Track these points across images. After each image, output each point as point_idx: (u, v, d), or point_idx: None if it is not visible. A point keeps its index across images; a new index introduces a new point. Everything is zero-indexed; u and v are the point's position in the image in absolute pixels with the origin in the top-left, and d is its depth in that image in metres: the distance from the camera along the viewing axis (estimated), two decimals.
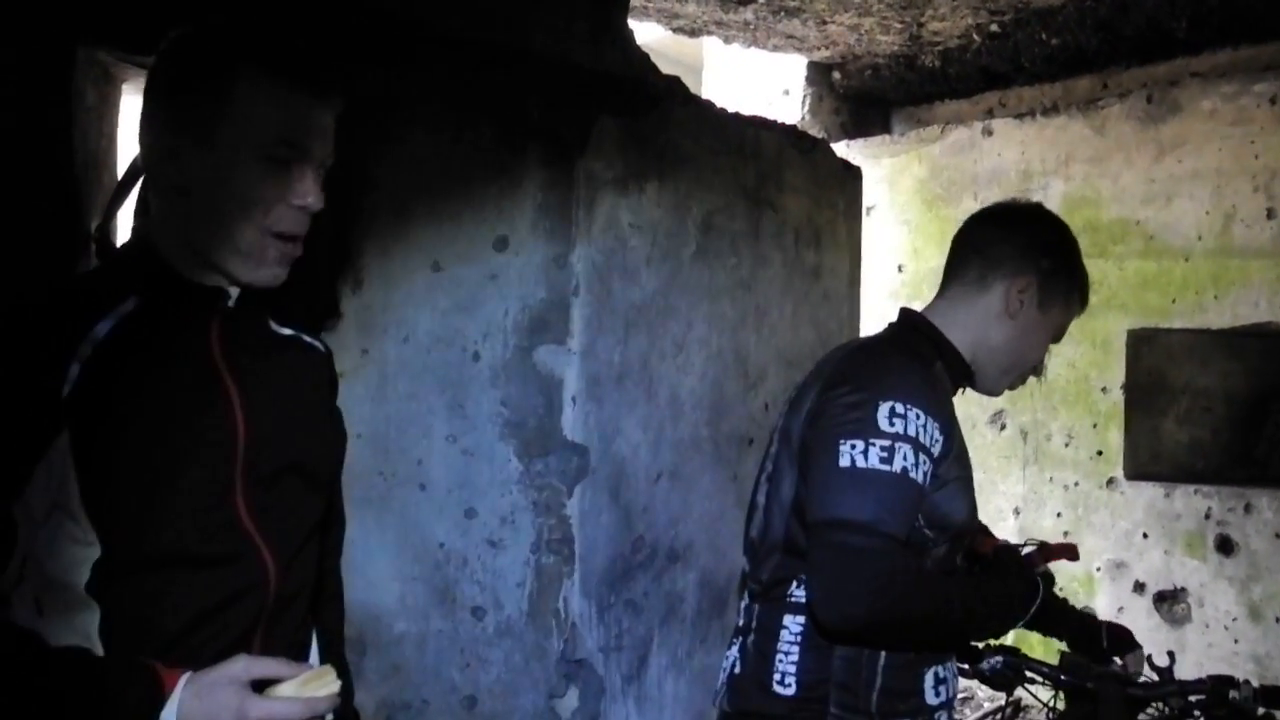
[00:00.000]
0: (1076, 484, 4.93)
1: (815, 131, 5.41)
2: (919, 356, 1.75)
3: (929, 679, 1.71)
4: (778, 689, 1.68)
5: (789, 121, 4.22)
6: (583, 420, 2.55)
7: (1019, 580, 1.79)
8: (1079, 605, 4.82)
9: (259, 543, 1.32)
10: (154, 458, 1.24)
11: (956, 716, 4.87)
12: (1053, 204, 4.92)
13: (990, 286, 1.81)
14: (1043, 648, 4.64)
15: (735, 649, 1.80)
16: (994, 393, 1.91)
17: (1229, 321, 4.53)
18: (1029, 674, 1.96)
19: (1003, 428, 5.17)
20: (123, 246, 1.37)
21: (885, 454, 1.57)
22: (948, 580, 1.73)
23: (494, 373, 2.56)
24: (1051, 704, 2.00)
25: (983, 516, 5.33)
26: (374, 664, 2.65)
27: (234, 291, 1.34)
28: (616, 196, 2.63)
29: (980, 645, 1.97)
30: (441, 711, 2.65)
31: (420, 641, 2.63)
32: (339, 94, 1.34)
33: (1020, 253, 1.81)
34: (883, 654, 1.67)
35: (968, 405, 5.41)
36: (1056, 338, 1.88)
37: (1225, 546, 4.48)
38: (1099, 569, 4.82)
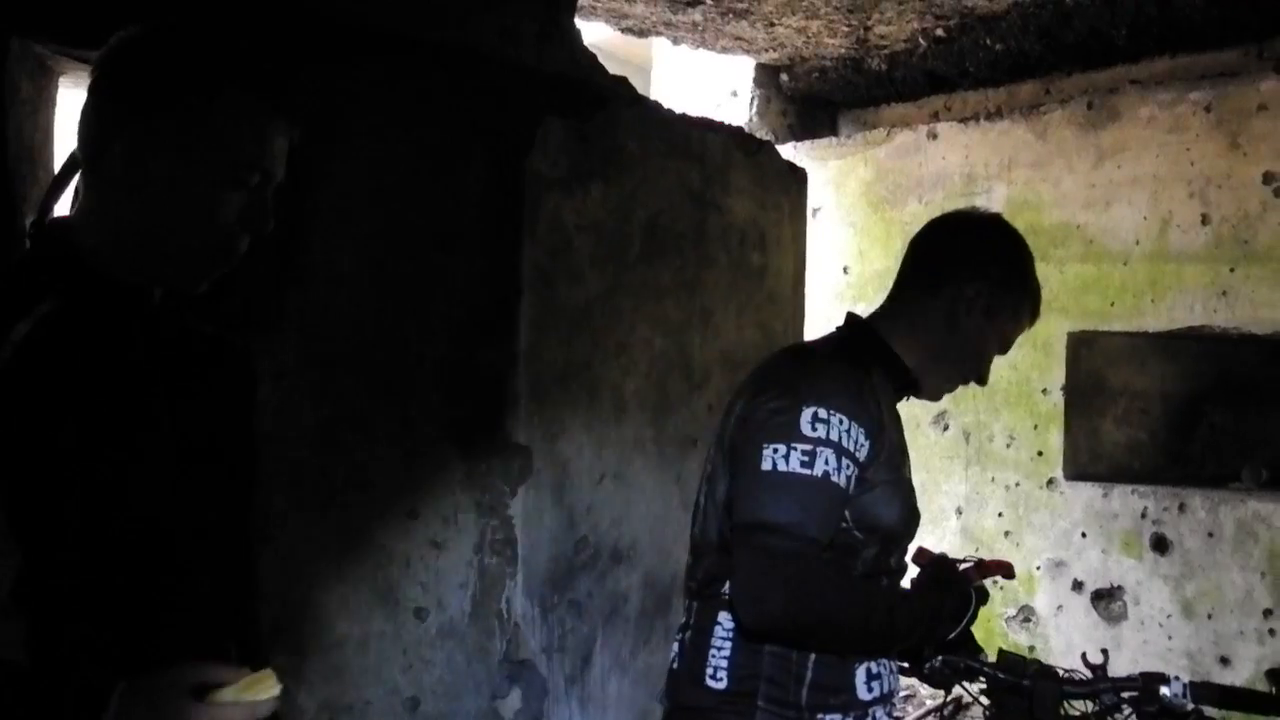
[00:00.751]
0: (1017, 484, 5.00)
1: (763, 133, 5.43)
2: (854, 362, 1.75)
3: (861, 675, 1.73)
4: (710, 683, 1.69)
5: (737, 123, 4.24)
6: (526, 421, 2.55)
7: (951, 592, 1.79)
8: (1019, 604, 4.92)
9: (186, 545, 1.30)
10: (77, 463, 1.21)
11: (898, 713, 4.93)
12: (995, 208, 4.98)
13: (939, 292, 1.81)
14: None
15: (676, 645, 1.82)
16: (934, 399, 1.93)
17: (1165, 325, 4.62)
18: (967, 672, 1.97)
19: (946, 428, 5.23)
20: (39, 244, 1.33)
21: (806, 458, 1.58)
22: (873, 586, 1.73)
23: (437, 373, 2.54)
24: (989, 701, 2.01)
25: (926, 517, 5.36)
26: (315, 666, 2.63)
27: (158, 291, 1.32)
28: (562, 197, 2.63)
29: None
30: (384, 713, 2.63)
31: (362, 643, 2.61)
32: (300, 119, 1.34)
33: (971, 260, 1.81)
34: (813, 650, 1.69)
35: (911, 406, 5.44)
36: (1004, 348, 1.88)
37: (1160, 545, 4.56)
38: (1039, 568, 4.89)
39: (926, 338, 1.82)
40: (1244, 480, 4.59)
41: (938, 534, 5.19)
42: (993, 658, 1.99)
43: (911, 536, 1.83)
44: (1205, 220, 4.51)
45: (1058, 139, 4.92)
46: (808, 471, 1.58)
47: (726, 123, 3.40)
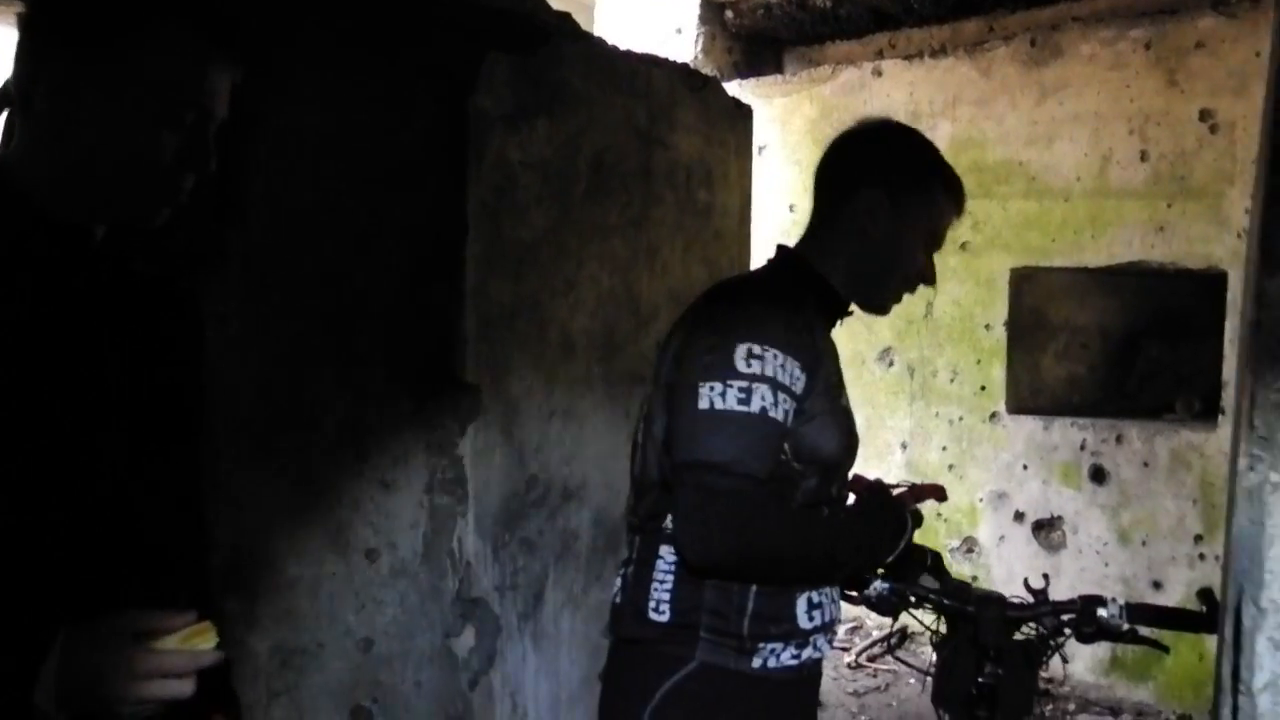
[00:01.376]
0: (961, 418, 5.09)
1: (708, 70, 5.40)
2: (785, 296, 1.75)
3: (802, 604, 1.74)
4: (653, 615, 1.71)
5: (682, 60, 4.20)
6: (474, 360, 2.54)
7: (887, 518, 1.83)
8: (962, 535, 5.02)
9: (133, 493, 1.28)
10: (16, 409, 1.18)
11: (845, 644, 5.03)
12: (940, 145, 5.01)
13: (843, 209, 1.81)
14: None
15: (619, 579, 1.83)
16: (882, 310, 1.90)
17: (1105, 260, 4.70)
18: (913, 599, 2.01)
19: (890, 364, 5.30)
20: None
21: (743, 395, 1.59)
22: (813, 517, 1.75)
23: (384, 313, 2.52)
24: (935, 627, 2.06)
25: (872, 451, 5.46)
26: (266, 609, 2.62)
27: (100, 230, 1.29)
28: (506, 134, 2.60)
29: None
30: (337, 654, 2.64)
31: (314, 585, 2.61)
32: (243, 56, 1.30)
33: (865, 169, 1.80)
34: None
35: (856, 342, 5.54)
36: (934, 245, 1.86)
37: (1098, 476, 4.68)
38: (981, 500, 5.00)
39: (845, 256, 1.82)
40: (1178, 411, 4.70)
41: (883, 468, 5.27)
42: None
43: (851, 464, 1.85)
44: (1144, 157, 4.57)
45: (1001, 76, 4.94)
46: (744, 408, 1.59)
47: (671, 59, 3.38)
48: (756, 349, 1.61)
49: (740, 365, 1.60)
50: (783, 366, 1.62)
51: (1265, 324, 0.92)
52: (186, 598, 1.39)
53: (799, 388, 1.64)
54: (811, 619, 1.76)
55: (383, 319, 2.52)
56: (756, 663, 1.70)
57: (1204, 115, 4.41)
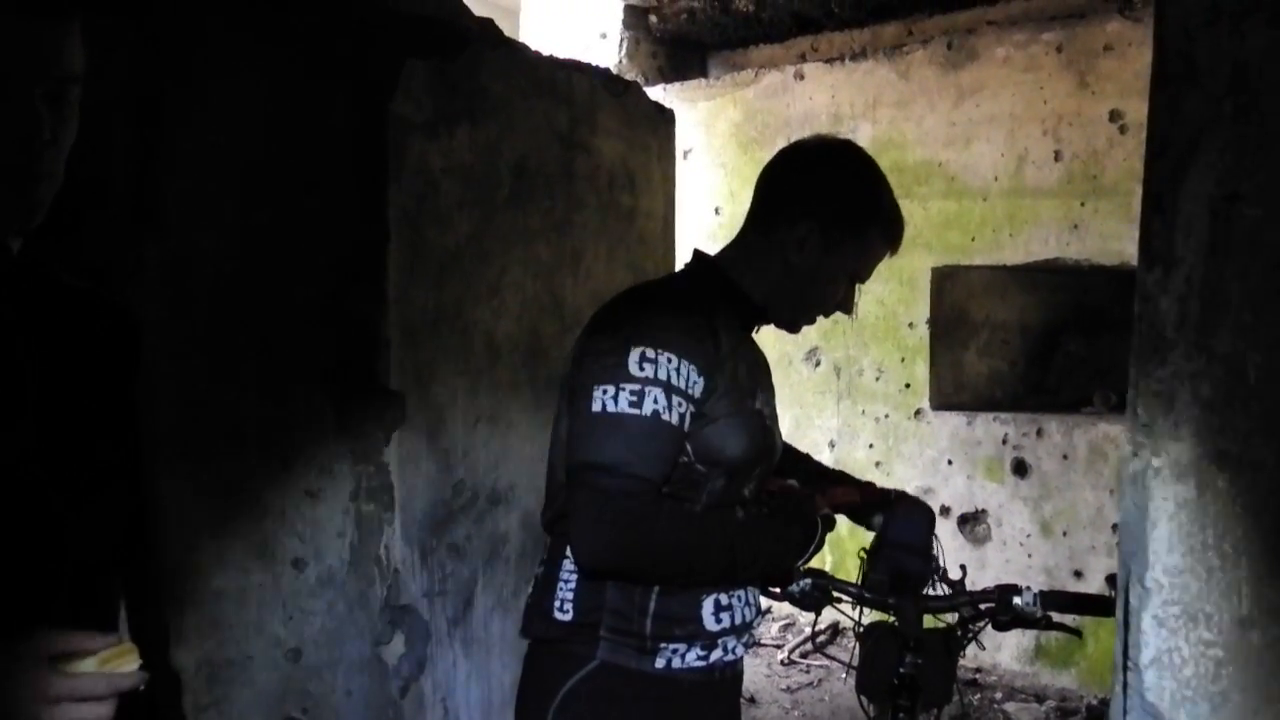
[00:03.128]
0: (887, 416, 5.17)
1: (632, 75, 5.43)
2: (691, 301, 1.74)
3: (708, 606, 1.74)
4: (558, 615, 1.71)
5: (606, 65, 4.23)
6: (398, 367, 2.54)
7: (794, 524, 1.80)
8: None
9: (55, 513, 1.25)
10: None
11: (779, 641, 5.08)
12: (861, 146, 5.11)
13: (774, 230, 1.80)
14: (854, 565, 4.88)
15: (533, 580, 1.84)
16: (792, 330, 1.92)
17: (1023, 258, 4.81)
18: (835, 594, 2.05)
19: (818, 364, 5.37)
20: None
21: (635, 398, 1.60)
22: (710, 520, 1.73)
23: (306, 321, 2.51)
24: (858, 621, 2.09)
25: (800, 449, 5.49)
26: (193, 620, 2.59)
27: (14, 242, 1.25)
28: (426, 140, 2.60)
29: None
30: (266, 665, 2.62)
31: (240, 596, 2.58)
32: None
33: (802, 199, 1.78)
34: None
35: (783, 343, 5.60)
36: (861, 277, 1.85)
37: (1020, 469, 4.79)
38: None
39: (768, 274, 1.81)
40: (1095, 404, 4.83)
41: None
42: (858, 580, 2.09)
43: (767, 466, 1.86)
44: (1058, 157, 4.69)
45: (920, 79, 5.04)
46: (636, 411, 1.59)
47: (593, 64, 3.40)
48: (650, 352, 1.62)
49: (633, 369, 1.61)
50: (677, 370, 1.62)
51: (1145, 316, 0.96)
52: (114, 618, 1.39)
53: (696, 391, 1.65)
54: (719, 620, 1.75)
55: (305, 327, 2.51)
56: (659, 663, 1.70)
57: (1114, 116, 4.53)
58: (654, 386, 1.60)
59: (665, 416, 1.61)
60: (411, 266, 2.56)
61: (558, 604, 1.71)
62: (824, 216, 1.76)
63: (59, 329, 1.30)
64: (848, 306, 1.87)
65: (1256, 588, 0.90)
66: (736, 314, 1.81)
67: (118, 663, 1.16)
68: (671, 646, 1.70)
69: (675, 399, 1.62)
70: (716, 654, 1.75)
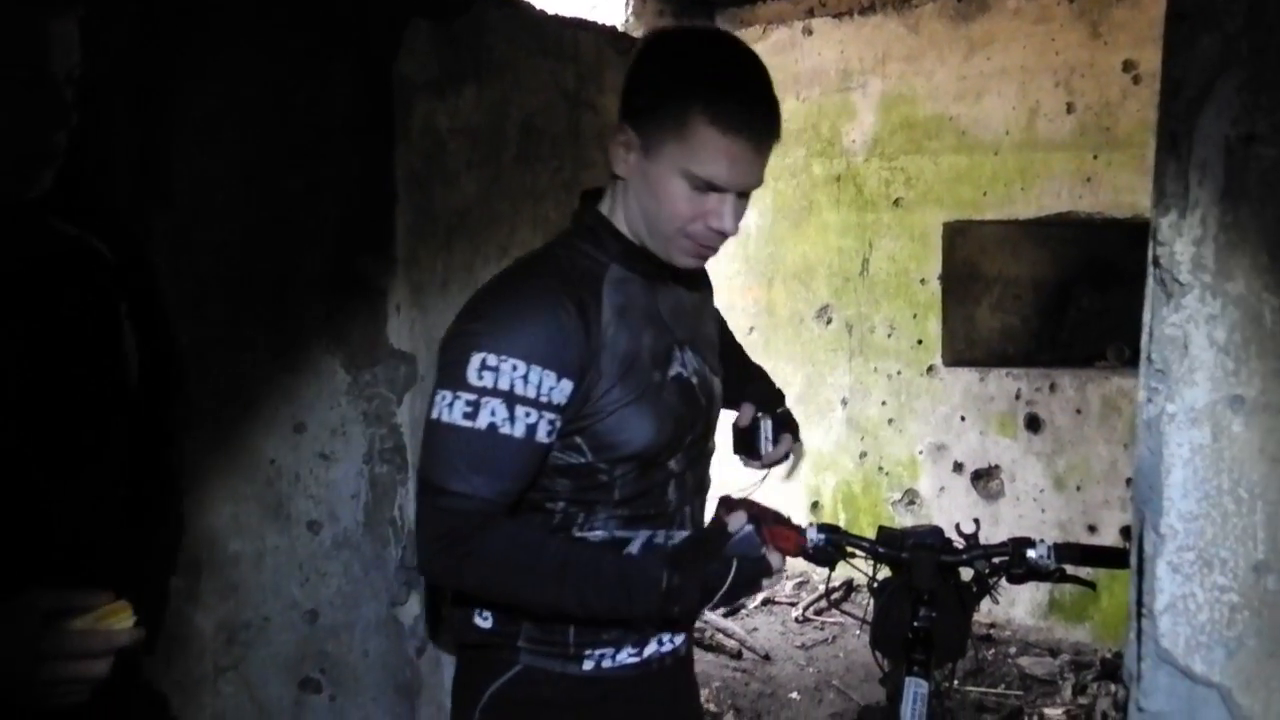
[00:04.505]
0: (899, 372, 5.16)
1: (639, 33, 5.38)
2: (567, 276, 1.54)
3: None
4: (478, 620, 1.62)
5: (613, 23, 4.20)
6: (408, 328, 2.54)
7: (698, 567, 1.54)
8: (904, 488, 5.10)
9: (42, 475, 1.26)
10: None
11: (793, 599, 5.09)
12: (871, 102, 5.08)
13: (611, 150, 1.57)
14: (867, 520, 4.89)
15: None
16: (685, 265, 1.60)
17: (1035, 212, 4.77)
18: (849, 549, 2.05)
19: (829, 322, 5.35)
20: None
21: (470, 409, 1.46)
22: (557, 549, 1.52)
23: (316, 284, 2.51)
24: (873, 575, 2.10)
25: (813, 408, 5.45)
26: (210, 585, 2.61)
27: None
28: (433, 101, 2.59)
29: (804, 525, 2.06)
30: (283, 627, 2.64)
31: (257, 559, 2.60)
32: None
33: (622, 98, 1.55)
34: None
35: (794, 301, 5.57)
36: (710, 180, 1.49)
37: (1033, 424, 4.78)
38: (921, 452, 5.08)
39: (625, 202, 1.58)
40: (1109, 358, 4.81)
41: (824, 425, 5.35)
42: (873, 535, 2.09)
43: (699, 431, 1.69)
44: (1070, 109, 4.64)
45: (930, 32, 4.98)
46: (469, 424, 1.46)
47: (599, 22, 3.37)
48: (492, 360, 1.46)
49: (471, 377, 1.46)
50: (524, 378, 1.46)
51: (1159, 260, 0.95)
52: (109, 575, 1.36)
53: (556, 396, 1.49)
54: (665, 546, 1.63)
55: (315, 291, 2.51)
56: (588, 665, 1.61)
57: (1127, 66, 4.48)
58: (492, 398, 1.45)
59: (504, 430, 1.46)
60: (420, 228, 2.56)
61: (476, 610, 1.62)
62: (637, 113, 1.51)
63: (47, 277, 1.31)
64: (716, 219, 1.51)
65: (1272, 532, 0.89)
66: (624, 262, 1.59)
67: (113, 619, 1.18)
68: (599, 650, 1.61)
69: (521, 410, 1.46)
70: (651, 648, 1.66)
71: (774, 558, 1.58)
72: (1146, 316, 0.97)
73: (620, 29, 4.20)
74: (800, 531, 1.76)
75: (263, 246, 2.51)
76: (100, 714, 1.21)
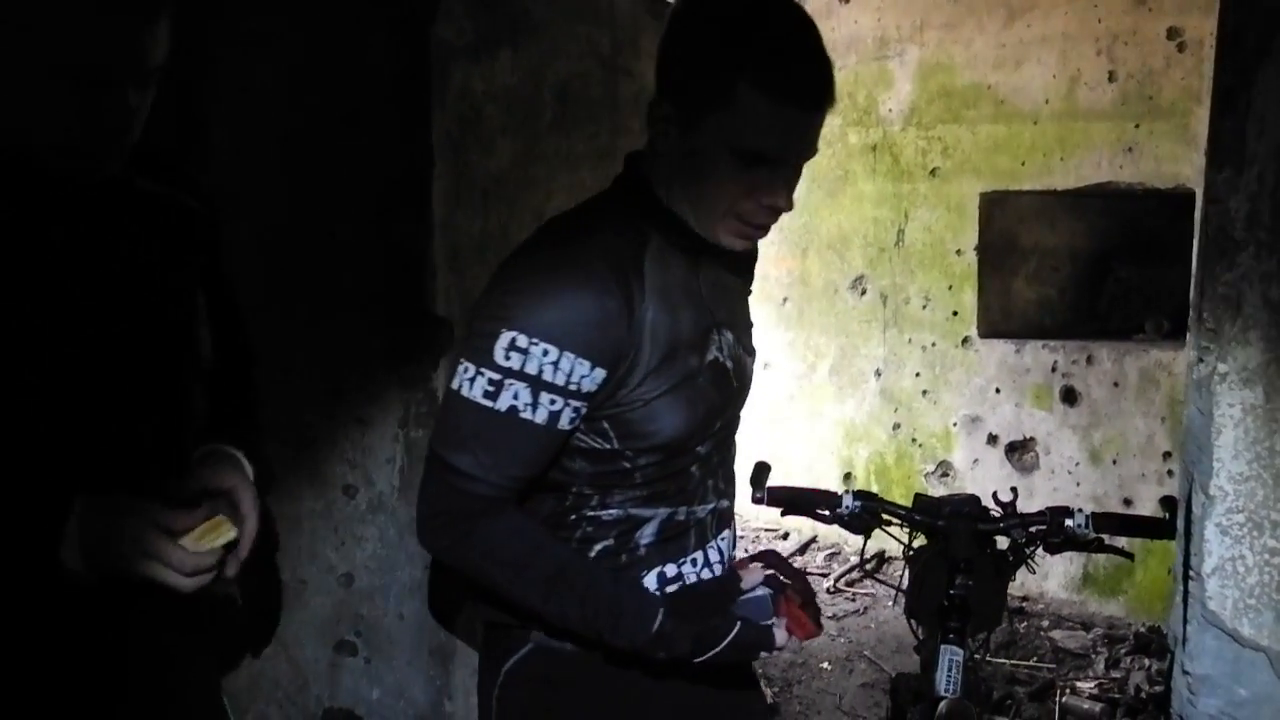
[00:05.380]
0: (934, 344, 5.12)
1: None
2: (613, 244, 1.44)
3: (651, 580, 1.55)
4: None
5: None
6: (444, 293, 2.53)
7: (702, 616, 1.47)
8: (938, 460, 5.08)
9: (114, 390, 1.39)
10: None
11: (825, 570, 5.10)
12: (908, 70, 5.02)
13: (650, 122, 1.47)
14: (900, 490, 4.88)
15: None
16: (720, 242, 1.49)
17: (1074, 183, 4.71)
18: (885, 516, 2.05)
19: (864, 293, 5.32)
20: None
21: (491, 388, 1.38)
22: (546, 558, 1.45)
23: (352, 249, 2.51)
24: (909, 544, 2.09)
25: (846, 379, 5.45)
26: None
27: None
28: (469, 65, 2.57)
29: (840, 492, 2.05)
30: (319, 590, 2.66)
31: (293, 522, 2.63)
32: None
33: (658, 70, 1.44)
34: (592, 552, 1.53)
35: (829, 271, 5.55)
36: (761, 152, 1.38)
37: (1069, 397, 4.73)
38: (955, 424, 5.06)
39: (665, 179, 1.47)
40: (1147, 331, 4.76)
41: (858, 397, 5.32)
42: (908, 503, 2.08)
43: (724, 417, 1.60)
44: (1112, 77, 4.57)
45: (969, 0, 4.92)
46: (489, 404, 1.38)
47: None
48: (522, 340, 1.36)
49: (499, 356, 1.37)
50: (555, 364, 1.37)
51: (1213, 218, 0.93)
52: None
53: (586, 385, 1.40)
54: (664, 592, 1.56)
55: (351, 255, 2.51)
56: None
57: (1172, 33, 4.40)
58: (517, 380, 1.37)
59: (525, 415, 1.38)
60: (456, 192, 2.55)
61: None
62: (676, 85, 1.40)
63: (134, 228, 1.46)
64: (769, 194, 1.41)
65: None
66: (668, 238, 1.48)
67: (212, 535, 1.29)
68: None
69: (546, 397, 1.38)
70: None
71: (780, 633, 1.50)
72: (1196, 275, 0.95)
73: None
74: (818, 624, 1.57)
75: (299, 211, 2.52)
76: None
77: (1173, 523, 1.96)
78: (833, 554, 5.33)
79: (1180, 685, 0.98)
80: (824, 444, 5.46)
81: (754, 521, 5.55)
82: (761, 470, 2.05)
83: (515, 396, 1.38)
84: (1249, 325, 0.89)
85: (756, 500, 2.03)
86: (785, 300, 5.54)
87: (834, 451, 5.43)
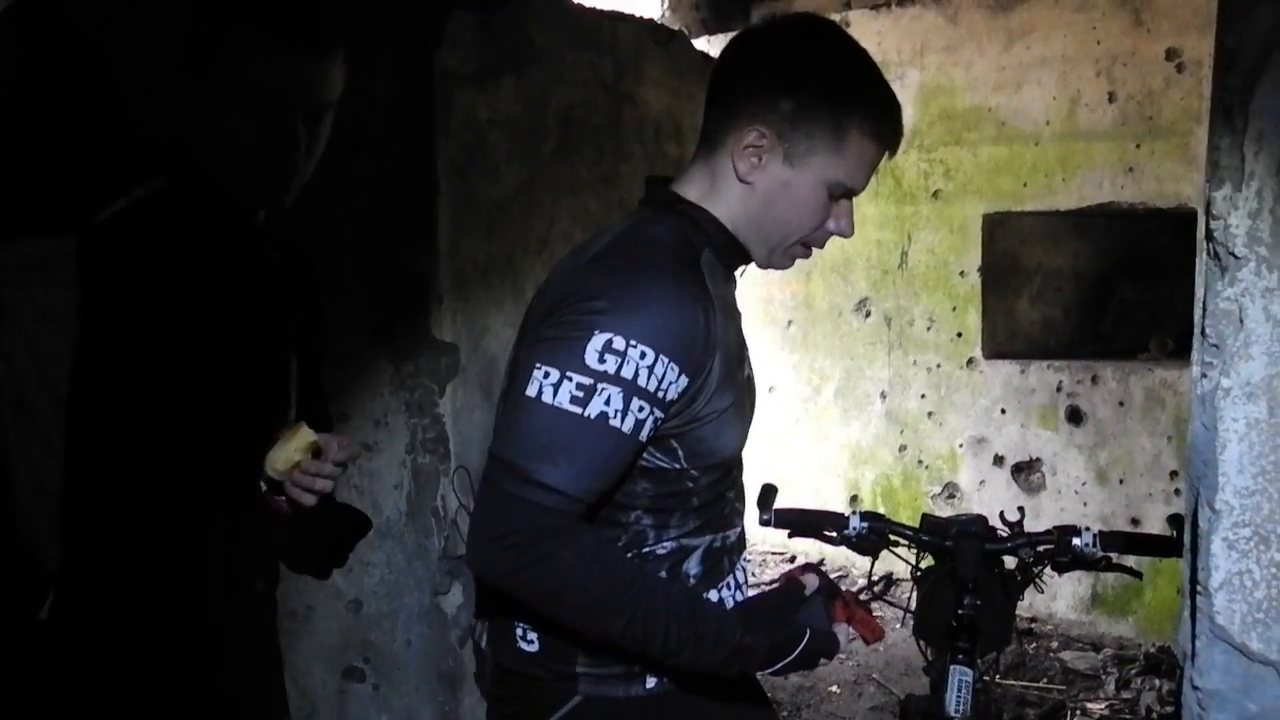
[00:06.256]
0: (939, 365, 5.13)
1: (675, 26, 5.38)
2: (681, 252, 1.40)
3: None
4: (522, 645, 1.44)
5: (648, 17, 4.19)
6: (450, 319, 2.56)
7: (778, 627, 1.43)
8: (944, 481, 5.07)
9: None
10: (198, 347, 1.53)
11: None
12: (909, 93, 5.04)
13: (721, 144, 1.44)
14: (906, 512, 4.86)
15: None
16: (774, 267, 1.55)
17: (1076, 203, 4.72)
18: (892, 537, 2.04)
19: (868, 315, 5.33)
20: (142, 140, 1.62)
21: (581, 393, 1.28)
22: (639, 584, 1.34)
23: (359, 275, 2.53)
24: (917, 564, 2.09)
25: (851, 401, 5.45)
26: None
27: (261, 214, 1.64)
28: (474, 93, 2.60)
29: (847, 513, 2.04)
30: (327, 616, 2.67)
31: None
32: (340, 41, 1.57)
33: (752, 96, 1.42)
34: None
35: (833, 294, 5.55)
36: (848, 190, 1.46)
37: (1075, 417, 4.73)
38: (961, 445, 5.05)
39: (730, 200, 1.45)
40: (1152, 350, 4.76)
41: (863, 419, 5.33)
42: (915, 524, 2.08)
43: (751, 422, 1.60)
44: (1112, 98, 4.59)
45: (968, 23, 4.95)
46: (577, 409, 1.28)
47: (637, 15, 3.37)
48: (619, 342, 1.29)
49: (590, 359, 1.28)
50: (650, 369, 1.30)
51: (1213, 234, 0.94)
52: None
53: (671, 394, 1.33)
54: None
55: (357, 281, 2.53)
56: (651, 683, 1.44)
57: (1170, 54, 4.42)
58: (611, 385, 1.28)
59: (614, 422, 1.29)
60: (461, 218, 2.58)
61: (519, 631, 1.44)
62: (784, 115, 1.40)
63: (267, 279, 1.62)
64: (843, 228, 1.49)
65: None
66: (720, 257, 1.48)
67: (300, 440, 1.48)
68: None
69: (637, 403, 1.30)
70: None
71: (842, 635, 1.48)
72: (1199, 292, 0.96)
73: (658, 21, 4.20)
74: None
75: (307, 237, 2.54)
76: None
77: (1180, 540, 1.97)
78: (840, 577, 5.31)
79: (1190, 701, 0.98)
80: (830, 467, 5.45)
81: (761, 545, 5.54)
82: (768, 492, 2.05)
83: (607, 402, 1.28)
84: (1251, 340, 0.90)
85: (764, 522, 2.03)
86: (790, 323, 5.55)
87: (840, 474, 5.42)
